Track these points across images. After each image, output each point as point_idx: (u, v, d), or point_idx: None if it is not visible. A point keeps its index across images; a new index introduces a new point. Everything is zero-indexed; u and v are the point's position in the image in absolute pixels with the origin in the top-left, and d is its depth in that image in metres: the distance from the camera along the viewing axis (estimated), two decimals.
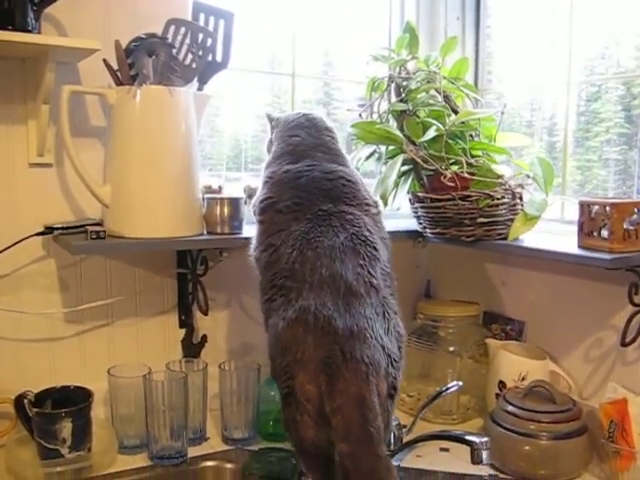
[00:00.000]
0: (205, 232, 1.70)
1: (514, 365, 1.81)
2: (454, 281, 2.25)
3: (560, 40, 2.02)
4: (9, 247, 1.62)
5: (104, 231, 1.55)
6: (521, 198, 1.77)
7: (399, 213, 2.17)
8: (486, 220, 1.72)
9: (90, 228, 1.55)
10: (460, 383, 1.66)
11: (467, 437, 1.37)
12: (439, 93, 1.83)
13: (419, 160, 1.70)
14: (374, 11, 2.29)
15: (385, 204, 1.66)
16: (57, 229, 1.62)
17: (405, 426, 1.61)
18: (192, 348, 1.87)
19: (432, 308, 2.00)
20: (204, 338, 1.87)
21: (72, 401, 1.56)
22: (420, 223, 1.90)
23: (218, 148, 2.11)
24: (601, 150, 1.99)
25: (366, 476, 1.11)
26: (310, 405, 1.18)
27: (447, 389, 1.64)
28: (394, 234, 1.93)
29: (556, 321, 1.90)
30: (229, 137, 2.14)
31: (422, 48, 1.94)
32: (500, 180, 1.72)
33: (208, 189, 1.84)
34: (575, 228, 1.62)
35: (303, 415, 1.19)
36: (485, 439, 1.34)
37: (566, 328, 1.87)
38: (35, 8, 1.50)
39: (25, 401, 1.55)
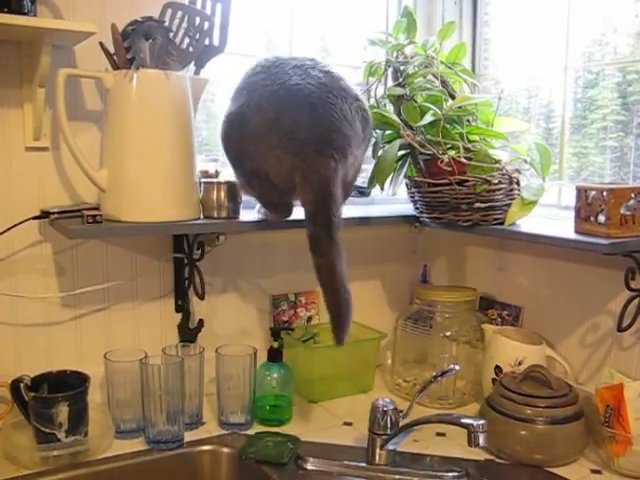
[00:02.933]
0: (202, 216, 1.68)
1: (510, 350, 1.81)
2: (451, 266, 2.25)
3: (557, 26, 2.01)
4: (5, 231, 1.61)
5: (100, 215, 1.54)
6: (518, 183, 1.77)
7: (395, 198, 2.16)
8: (483, 205, 1.71)
9: (86, 212, 1.54)
10: (457, 367, 1.65)
11: (463, 420, 1.37)
12: (436, 78, 1.82)
13: (416, 145, 1.69)
14: None
15: (382, 189, 1.66)
16: (53, 213, 1.61)
17: (402, 411, 1.60)
18: (189, 333, 1.87)
19: (429, 293, 1.99)
20: (201, 323, 1.86)
21: (68, 385, 1.56)
22: (417, 208, 1.89)
23: (214, 134, 2.09)
24: (597, 137, 1.98)
25: (322, 253, 1.51)
26: (283, 186, 1.55)
27: (444, 373, 1.63)
28: (390, 219, 1.94)
29: (553, 306, 1.91)
30: None
31: (419, 33, 1.92)
32: (497, 165, 1.72)
33: (205, 174, 1.83)
34: (572, 213, 1.62)
35: (270, 189, 1.58)
36: (482, 422, 1.34)
37: (562, 313, 1.88)
38: None
39: (21, 385, 1.54)
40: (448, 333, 1.92)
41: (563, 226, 1.67)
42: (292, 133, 1.49)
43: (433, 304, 1.97)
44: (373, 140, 1.84)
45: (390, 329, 2.13)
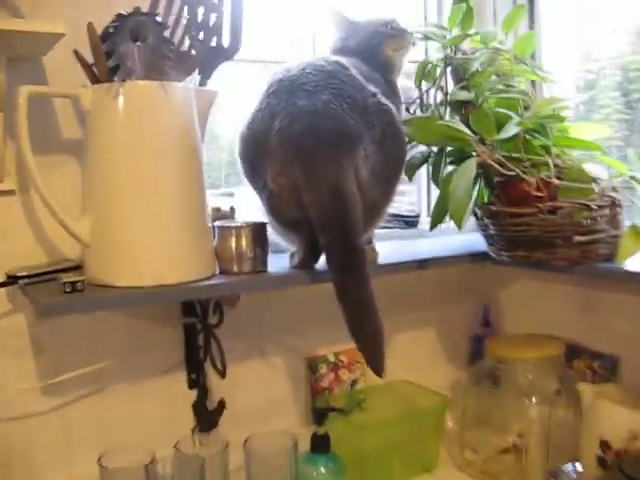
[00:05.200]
0: (218, 272, 1.22)
1: (620, 419, 1.32)
2: (519, 307, 1.76)
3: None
4: None
5: (82, 281, 1.07)
6: (620, 206, 1.31)
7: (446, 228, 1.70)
8: (585, 238, 1.25)
9: (64, 277, 1.08)
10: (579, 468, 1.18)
11: None
12: (499, 76, 1.37)
13: (494, 164, 1.22)
14: None
15: (459, 226, 1.19)
16: (23, 277, 1.16)
17: None
18: (207, 416, 1.39)
19: (505, 348, 1.51)
20: (221, 404, 1.39)
21: None
22: (491, 244, 1.42)
23: (218, 154, 1.65)
24: None
25: (340, 267, 1.14)
26: (286, 194, 1.17)
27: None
28: (452, 259, 1.47)
29: None
30: (227, 143, 1.67)
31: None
32: (595, 185, 1.26)
33: (217, 212, 1.38)
34: None
35: (280, 200, 1.19)
36: None
37: None
38: None
39: None
40: (534, 399, 1.45)
41: None
42: (289, 126, 1.14)
43: (511, 362, 1.49)
44: (431, 159, 1.40)
45: (447, 384, 1.70)
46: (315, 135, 1.13)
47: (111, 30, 1.09)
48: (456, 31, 1.41)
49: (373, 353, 1.16)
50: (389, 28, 1.39)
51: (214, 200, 1.44)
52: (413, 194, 1.81)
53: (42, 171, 1.10)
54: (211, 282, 1.16)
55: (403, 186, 1.71)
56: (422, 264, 1.38)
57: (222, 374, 1.33)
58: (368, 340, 1.16)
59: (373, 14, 1.43)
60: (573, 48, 1.79)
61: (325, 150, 1.12)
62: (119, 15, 1.07)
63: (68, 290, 1.06)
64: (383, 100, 1.23)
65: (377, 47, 1.38)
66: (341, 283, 1.13)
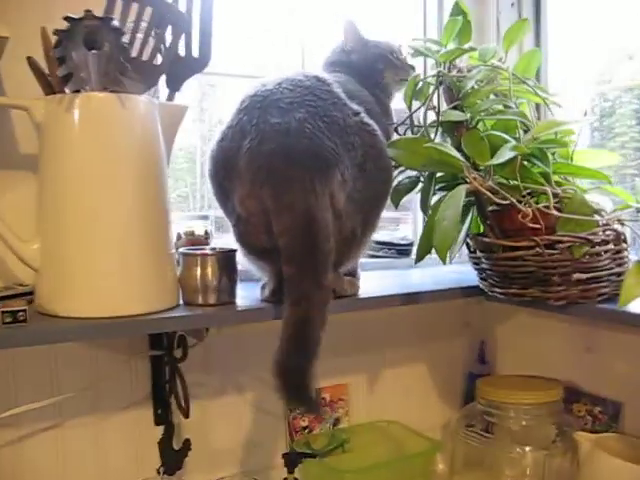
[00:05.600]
0: (181, 302, 1.10)
1: (620, 473, 1.21)
2: (516, 344, 1.64)
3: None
4: None
5: (24, 311, 0.96)
6: (625, 241, 1.19)
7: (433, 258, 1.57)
8: (585, 276, 1.13)
9: (4, 305, 0.97)
10: None
11: None
12: (496, 96, 1.25)
13: (487, 192, 1.10)
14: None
15: (444, 260, 1.07)
16: None
17: None
18: (172, 456, 1.27)
19: (499, 392, 1.37)
20: (187, 444, 1.27)
21: None
22: (483, 279, 1.28)
23: None
24: None
25: (299, 302, 1.00)
26: (254, 219, 1.05)
27: None
28: (441, 293, 1.34)
29: None
30: None
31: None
32: (598, 217, 1.14)
33: (190, 236, 1.27)
34: None
35: (249, 226, 1.07)
36: None
37: None
38: None
39: None
40: (528, 447, 1.32)
41: None
42: (259, 145, 1.02)
43: (504, 407, 1.36)
44: (419, 185, 1.28)
45: (439, 424, 1.58)
46: (286, 156, 1.01)
47: (63, 35, 0.98)
48: (452, 46, 1.29)
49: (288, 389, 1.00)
50: (395, 57, 1.34)
51: (190, 223, 1.33)
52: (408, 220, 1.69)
53: None
54: (171, 315, 1.05)
55: (397, 213, 1.61)
56: (408, 298, 1.25)
57: (185, 413, 1.21)
58: (285, 376, 0.99)
59: (380, 36, 1.37)
60: (583, 69, 1.67)
61: (297, 172, 1.00)
62: (68, 18, 0.95)
63: (8, 321, 0.95)
64: (366, 120, 1.12)
65: (381, 72, 1.32)
66: (293, 317, 0.99)
